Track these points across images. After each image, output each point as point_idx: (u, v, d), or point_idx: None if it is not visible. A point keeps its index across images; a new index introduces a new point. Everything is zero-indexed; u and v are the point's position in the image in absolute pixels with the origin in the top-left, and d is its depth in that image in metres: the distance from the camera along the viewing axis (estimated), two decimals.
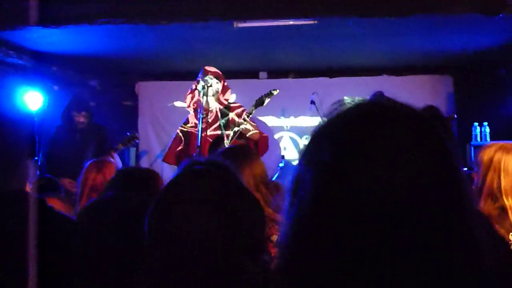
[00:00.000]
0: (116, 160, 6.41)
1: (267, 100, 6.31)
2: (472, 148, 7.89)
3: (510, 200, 3.03)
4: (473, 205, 0.95)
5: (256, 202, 1.76)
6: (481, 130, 8.28)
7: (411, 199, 0.88)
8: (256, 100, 6.34)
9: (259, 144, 6.28)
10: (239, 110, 6.50)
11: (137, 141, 7.48)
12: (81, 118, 7.47)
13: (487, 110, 8.46)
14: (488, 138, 8.14)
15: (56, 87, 8.23)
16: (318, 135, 1.00)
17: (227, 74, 6.65)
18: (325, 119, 1.02)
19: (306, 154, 0.99)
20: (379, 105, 1.00)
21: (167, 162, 6.60)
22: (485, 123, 8.28)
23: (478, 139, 8.20)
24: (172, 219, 1.65)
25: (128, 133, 7.07)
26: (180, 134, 6.50)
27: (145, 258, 1.68)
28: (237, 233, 1.63)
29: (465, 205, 0.93)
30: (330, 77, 9.24)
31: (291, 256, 0.96)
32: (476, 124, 8.25)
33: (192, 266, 1.59)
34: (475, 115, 8.35)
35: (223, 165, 1.80)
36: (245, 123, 6.18)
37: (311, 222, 0.92)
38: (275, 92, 6.34)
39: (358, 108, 1.00)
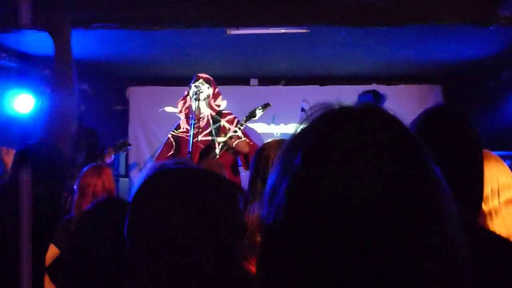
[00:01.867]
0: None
1: (259, 113, 6.33)
2: None
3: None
4: (446, 203, 0.94)
5: (234, 194, 1.74)
6: None
7: (379, 197, 0.87)
8: (249, 112, 6.36)
9: (249, 155, 6.27)
10: (231, 117, 6.51)
11: (129, 148, 7.42)
12: None
13: (475, 121, 8.47)
14: None
15: (48, 90, 8.20)
16: (290, 142, 1.00)
17: (218, 81, 6.66)
18: (298, 127, 1.02)
19: (280, 162, 0.99)
20: (347, 108, 1.01)
21: None
22: None
23: None
24: (152, 222, 1.62)
25: (121, 140, 7.04)
26: (172, 139, 6.50)
27: (129, 264, 1.67)
28: (219, 231, 1.61)
29: (437, 201, 0.93)
30: (321, 85, 9.26)
31: (269, 265, 0.96)
32: None
33: (178, 267, 1.58)
34: None
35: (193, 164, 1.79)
36: (238, 131, 6.20)
37: (286, 231, 0.92)
38: (269, 105, 6.36)
39: (326, 113, 1.00)
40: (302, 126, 1.01)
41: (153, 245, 1.61)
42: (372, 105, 1.00)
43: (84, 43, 7.16)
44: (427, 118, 2.04)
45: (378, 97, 6.68)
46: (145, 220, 1.64)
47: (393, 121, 0.99)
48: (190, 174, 1.75)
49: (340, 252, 0.87)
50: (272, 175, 0.98)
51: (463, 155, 1.92)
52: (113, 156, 7.02)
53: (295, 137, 1.00)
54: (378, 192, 0.88)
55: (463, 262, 0.93)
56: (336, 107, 1.01)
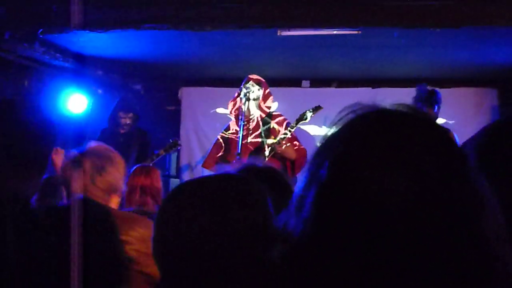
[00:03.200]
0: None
1: (310, 116, 6.26)
2: None
3: None
4: (488, 216, 0.87)
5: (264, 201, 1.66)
6: None
7: (414, 207, 0.82)
8: (300, 115, 6.31)
9: (296, 162, 6.20)
10: (280, 118, 6.47)
11: (178, 148, 7.46)
12: (127, 120, 7.49)
13: None
14: None
15: (100, 91, 8.29)
16: (318, 149, 0.96)
17: (270, 82, 6.63)
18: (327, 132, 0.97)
19: (308, 170, 0.94)
20: (379, 111, 0.95)
21: (206, 168, 6.60)
22: None
23: None
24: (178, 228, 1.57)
25: (170, 140, 7.08)
26: (221, 140, 6.50)
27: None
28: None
29: (477, 212, 0.87)
30: (373, 87, 9.16)
31: (298, 280, 0.91)
32: None
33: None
34: None
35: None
36: (287, 133, 6.15)
37: (314, 245, 0.88)
38: (320, 108, 6.30)
39: (357, 117, 0.95)
40: (331, 131, 0.94)
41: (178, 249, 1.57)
42: (409, 107, 0.94)
43: (137, 43, 7.22)
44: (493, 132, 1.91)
45: (433, 94, 6.56)
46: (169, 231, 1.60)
47: (430, 125, 0.92)
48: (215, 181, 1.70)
49: (374, 265, 0.83)
50: (299, 184, 0.92)
51: None
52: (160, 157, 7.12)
53: (323, 144, 0.95)
54: (413, 201, 0.83)
55: (508, 279, 0.86)
56: (367, 109, 0.95)
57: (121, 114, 7.47)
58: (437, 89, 6.68)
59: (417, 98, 6.51)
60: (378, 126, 0.91)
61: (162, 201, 1.69)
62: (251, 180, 1.70)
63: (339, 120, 0.95)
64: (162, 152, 6.95)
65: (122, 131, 7.47)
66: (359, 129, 0.92)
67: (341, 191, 0.86)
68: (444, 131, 0.91)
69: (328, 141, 0.94)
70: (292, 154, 6.13)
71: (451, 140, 0.91)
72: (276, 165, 6.22)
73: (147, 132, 7.81)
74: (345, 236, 0.84)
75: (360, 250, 0.83)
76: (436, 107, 6.48)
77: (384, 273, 0.82)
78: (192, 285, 1.53)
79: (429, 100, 6.44)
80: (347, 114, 0.94)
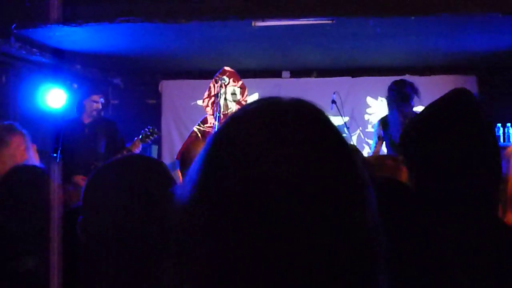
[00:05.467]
0: None
1: None
2: None
3: None
4: (362, 200, 0.93)
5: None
6: (504, 131, 8.19)
7: (288, 193, 0.87)
8: None
9: None
10: None
11: (156, 136, 7.09)
12: (99, 105, 7.00)
13: (511, 111, 8.36)
14: None
15: (75, 85, 8.24)
16: (214, 133, 1.03)
17: (250, 73, 6.66)
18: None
19: (201, 153, 1.01)
20: (269, 102, 1.01)
21: (176, 159, 6.62)
22: (509, 124, 8.19)
23: (502, 140, 8.11)
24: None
25: (146, 129, 6.88)
26: (197, 132, 6.49)
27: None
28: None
29: (358, 197, 0.92)
30: (353, 77, 9.22)
31: (182, 238, 0.99)
32: (499, 125, 8.16)
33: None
34: (499, 116, 8.25)
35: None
36: None
37: (194, 207, 0.95)
38: None
39: (251, 106, 1.01)
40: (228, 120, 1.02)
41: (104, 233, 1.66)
42: (298, 100, 1.00)
43: (114, 37, 7.22)
44: (441, 104, 2.00)
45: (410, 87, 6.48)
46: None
47: (316, 116, 0.99)
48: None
49: (236, 227, 0.89)
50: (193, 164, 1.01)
51: (475, 143, 1.87)
52: (140, 146, 6.80)
53: (219, 129, 1.02)
54: (289, 183, 0.88)
55: (374, 267, 0.92)
56: (267, 99, 1.01)
57: (94, 97, 6.92)
58: (412, 81, 6.59)
59: (392, 99, 6.39)
60: (267, 113, 0.97)
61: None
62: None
63: (239, 110, 1.03)
64: (138, 142, 6.68)
65: (86, 121, 7.01)
66: (247, 115, 0.98)
67: (215, 169, 0.94)
68: (326, 120, 0.99)
69: (223, 124, 1.02)
70: None
71: (331, 128, 0.98)
72: None
73: (114, 122, 7.37)
74: (217, 202, 0.92)
75: (225, 211, 0.90)
76: (412, 102, 6.36)
77: (246, 236, 0.88)
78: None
79: (403, 97, 6.33)
80: (250, 105, 1.01)
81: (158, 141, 8.97)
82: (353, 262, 0.88)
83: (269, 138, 0.91)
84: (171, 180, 1.76)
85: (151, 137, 6.79)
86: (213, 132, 5.87)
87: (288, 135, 0.92)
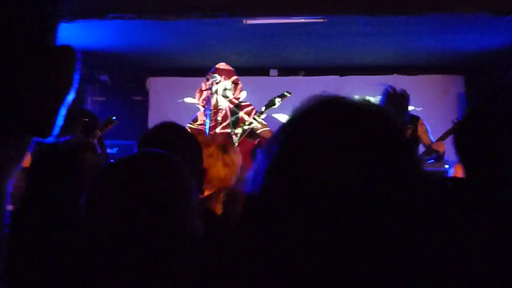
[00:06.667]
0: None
1: (278, 102, 6.25)
2: None
3: None
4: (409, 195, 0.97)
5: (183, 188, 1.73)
6: None
7: (355, 192, 0.92)
8: (268, 101, 6.30)
9: None
10: (249, 108, 6.47)
11: (114, 125, 6.74)
12: None
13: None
14: None
15: None
16: (276, 131, 1.05)
17: (237, 71, 6.64)
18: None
19: (265, 148, 1.04)
20: (331, 102, 1.04)
21: None
22: None
23: None
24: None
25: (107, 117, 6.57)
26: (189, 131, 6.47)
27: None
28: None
29: (399, 191, 0.95)
30: (341, 75, 9.22)
31: (252, 232, 1.04)
32: None
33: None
34: None
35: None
36: (254, 122, 6.17)
37: (265, 203, 0.99)
38: (287, 94, 6.27)
39: (311, 105, 1.04)
40: (288, 118, 1.05)
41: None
42: (368, 100, 1.04)
43: (103, 33, 7.21)
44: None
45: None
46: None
47: (378, 115, 1.02)
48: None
49: (305, 221, 0.94)
50: (257, 159, 1.04)
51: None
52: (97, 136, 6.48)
53: (281, 126, 1.05)
54: (353, 185, 0.92)
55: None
56: (326, 98, 1.05)
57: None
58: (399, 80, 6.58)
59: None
60: (330, 113, 1.01)
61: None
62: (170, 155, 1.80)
63: (299, 107, 1.04)
64: (97, 132, 6.37)
65: None
66: (311, 114, 1.01)
67: (286, 166, 0.98)
68: (395, 123, 1.01)
69: (284, 124, 1.04)
70: (266, 133, 6.16)
71: (401, 130, 1.02)
72: (248, 146, 6.27)
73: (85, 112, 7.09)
74: (287, 197, 0.95)
75: (296, 206, 0.94)
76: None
77: (314, 229, 0.93)
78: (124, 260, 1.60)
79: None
80: (307, 101, 1.03)
81: None
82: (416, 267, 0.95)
83: (338, 139, 0.95)
84: (184, 180, 1.72)
85: (109, 125, 6.46)
86: (205, 130, 5.89)
87: (357, 137, 0.96)
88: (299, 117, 1.03)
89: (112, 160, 4.80)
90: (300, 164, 0.95)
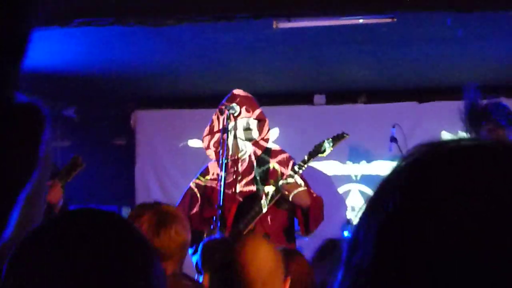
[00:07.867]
0: None
1: (329, 148, 6.19)
2: None
3: None
4: None
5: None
6: None
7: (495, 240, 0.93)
8: (314, 146, 6.25)
9: (310, 213, 6.13)
10: (284, 156, 6.39)
11: (80, 170, 6.61)
12: None
13: None
14: None
15: None
16: (383, 184, 1.07)
17: (266, 99, 6.62)
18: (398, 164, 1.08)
19: (367, 209, 1.06)
20: (461, 146, 1.07)
21: None
22: None
23: None
24: None
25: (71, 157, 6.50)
26: (195, 189, 6.37)
27: None
28: None
29: None
30: (420, 102, 9.21)
31: None
32: None
33: None
34: None
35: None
36: (294, 176, 6.08)
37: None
38: (346, 136, 6.24)
39: (427, 149, 1.06)
40: (396, 165, 1.07)
41: None
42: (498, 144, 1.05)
43: (66, 48, 7.24)
44: None
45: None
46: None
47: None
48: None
49: None
50: (353, 233, 1.06)
51: None
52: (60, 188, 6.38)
53: (389, 177, 1.07)
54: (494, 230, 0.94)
55: None
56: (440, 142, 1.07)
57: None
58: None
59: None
60: (456, 158, 1.03)
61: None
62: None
63: (407, 156, 1.06)
64: (56, 182, 6.24)
65: None
66: (432, 161, 1.04)
67: (411, 221, 0.98)
68: None
69: (396, 176, 1.06)
70: (306, 200, 6.04)
71: None
72: (281, 219, 6.19)
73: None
74: (409, 268, 0.95)
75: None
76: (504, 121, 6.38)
77: None
78: None
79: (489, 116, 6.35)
80: (415, 151, 1.05)
81: (130, 201, 8.97)
82: None
83: None
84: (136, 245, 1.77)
85: (73, 172, 6.41)
86: (218, 187, 5.84)
87: None
88: (415, 167, 1.04)
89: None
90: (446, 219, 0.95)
